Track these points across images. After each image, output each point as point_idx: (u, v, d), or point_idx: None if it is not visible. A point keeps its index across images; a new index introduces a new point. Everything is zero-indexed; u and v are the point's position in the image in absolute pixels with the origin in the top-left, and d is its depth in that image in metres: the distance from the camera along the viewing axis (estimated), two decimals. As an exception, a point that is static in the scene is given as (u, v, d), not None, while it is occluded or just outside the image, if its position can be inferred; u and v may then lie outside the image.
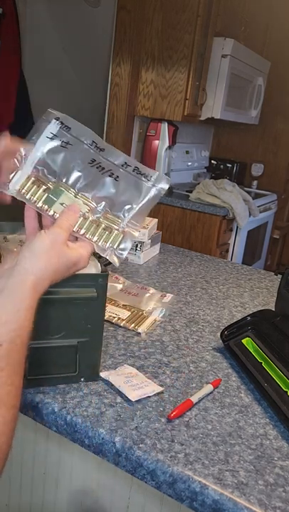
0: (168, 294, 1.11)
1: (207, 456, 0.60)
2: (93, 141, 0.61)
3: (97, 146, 0.61)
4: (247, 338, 0.86)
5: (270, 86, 3.21)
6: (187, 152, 3.11)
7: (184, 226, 2.56)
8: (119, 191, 0.60)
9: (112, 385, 0.72)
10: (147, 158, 2.67)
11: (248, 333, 0.87)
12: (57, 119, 0.61)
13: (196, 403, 0.70)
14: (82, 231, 0.60)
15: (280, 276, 0.96)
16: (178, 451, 0.60)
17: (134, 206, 0.60)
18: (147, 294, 1.08)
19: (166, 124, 2.59)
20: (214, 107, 2.62)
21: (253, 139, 3.48)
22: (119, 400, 0.69)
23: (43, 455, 0.97)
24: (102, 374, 0.74)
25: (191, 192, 2.60)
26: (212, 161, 3.41)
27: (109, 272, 1.18)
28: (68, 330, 0.67)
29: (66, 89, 2.98)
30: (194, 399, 0.70)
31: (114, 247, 0.61)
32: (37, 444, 0.97)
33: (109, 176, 0.60)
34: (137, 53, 2.44)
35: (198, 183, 2.63)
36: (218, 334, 0.92)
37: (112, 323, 0.93)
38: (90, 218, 0.60)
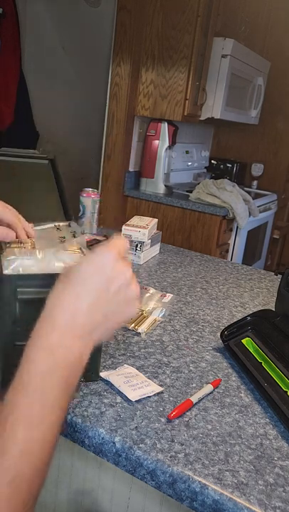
0: (168, 294, 1.11)
1: (207, 456, 0.60)
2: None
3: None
4: (247, 338, 0.86)
5: (270, 86, 3.21)
6: (187, 152, 3.11)
7: (184, 226, 2.56)
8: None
9: (112, 385, 0.72)
10: (147, 158, 2.67)
11: (248, 333, 0.87)
12: None
13: (196, 403, 0.70)
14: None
15: (280, 276, 0.96)
16: (178, 451, 0.60)
17: None
18: (147, 294, 1.08)
19: (166, 124, 2.59)
20: (214, 107, 2.62)
21: (253, 139, 3.48)
22: (119, 399, 0.69)
23: (43, 455, 0.97)
24: (102, 374, 0.74)
25: (191, 192, 2.60)
26: (212, 161, 3.41)
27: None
28: (68, 330, 0.67)
29: (66, 89, 2.98)
30: (194, 399, 0.70)
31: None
32: (37, 444, 0.97)
33: None
34: (137, 53, 2.44)
35: (198, 183, 2.63)
36: (218, 334, 0.92)
37: (112, 323, 0.93)
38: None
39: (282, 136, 3.38)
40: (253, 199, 2.69)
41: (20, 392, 0.44)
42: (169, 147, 2.65)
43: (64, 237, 0.75)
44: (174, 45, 2.38)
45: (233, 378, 0.80)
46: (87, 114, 2.96)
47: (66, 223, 0.84)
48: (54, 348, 0.46)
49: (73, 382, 0.47)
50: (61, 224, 0.82)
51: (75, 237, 0.78)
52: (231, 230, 2.60)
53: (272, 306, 1.03)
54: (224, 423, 0.67)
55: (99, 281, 0.50)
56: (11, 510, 0.41)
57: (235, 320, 0.95)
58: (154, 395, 0.71)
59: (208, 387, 0.74)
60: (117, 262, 0.52)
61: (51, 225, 0.80)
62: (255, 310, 0.96)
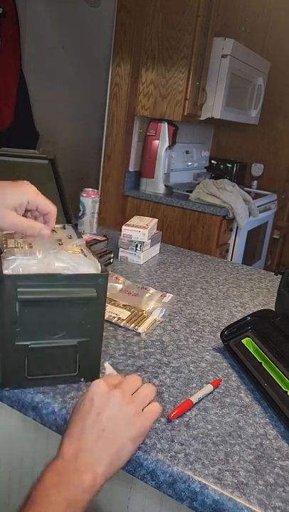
0: (168, 294, 1.11)
1: (207, 456, 0.60)
2: None
3: None
4: (247, 338, 0.86)
5: (270, 86, 3.21)
6: (187, 152, 3.11)
7: (184, 226, 2.56)
8: None
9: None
10: (147, 158, 2.67)
11: (248, 333, 0.87)
12: None
13: (196, 403, 0.70)
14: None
15: (280, 276, 0.96)
16: (178, 451, 0.60)
17: None
18: (147, 294, 1.08)
19: (166, 124, 2.59)
20: (214, 107, 2.62)
21: (253, 139, 3.48)
22: (119, 399, 0.69)
23: (43, 455, 0.97)
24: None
25: (191, 192, 2.60)
26: (212, 161, 3.41)
27: (109, 272, 1.18)
28: (68, 330, 0.67)
29: (66, 89, 2.98)
30: (194, 399, 0.70)
31: None
32: (37, 444, 0.97)
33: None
34: (137, 53, 2.44)
35: (198, 183, 2.63)
36: (218, 334, 0.92)
37: (112, 323, 0.94)
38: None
39: (282, 136, 3.38)
40: (253, 199, 2.69)
41: None
42: (169, 147, 2.65)
43: (60, 240, 0.75)
44: (174, 45, 2.38)
45: (233, 378, 0.80)
46: (87, 114, 2.96)
47: (61, 225, 0.84)
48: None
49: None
50: (56, 226, 0.82)
51: (71, 238, 0.78)
52: (231, 230, 2.60)
53: (272, 306, 1.03)
54: (224, 423, 0.67)
55: (88, 413, 0.57)
56: None
57: (235, 320, 0.95)
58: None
59: (208, 387, 0.74)
60: (104, 391, 0.58)
61: None
62: (255, 310, 0.96)
